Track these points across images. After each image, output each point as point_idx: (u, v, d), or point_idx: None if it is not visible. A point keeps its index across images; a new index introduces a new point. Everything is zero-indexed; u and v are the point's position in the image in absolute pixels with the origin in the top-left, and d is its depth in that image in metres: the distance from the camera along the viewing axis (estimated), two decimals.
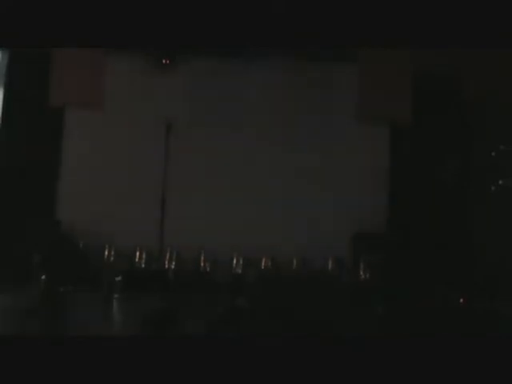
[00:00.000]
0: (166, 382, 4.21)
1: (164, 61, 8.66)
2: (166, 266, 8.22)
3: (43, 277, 7.10)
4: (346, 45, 6.18)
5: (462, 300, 7.18)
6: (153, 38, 5.90)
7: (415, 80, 8.35)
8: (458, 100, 8.44)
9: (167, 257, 8.25)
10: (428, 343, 4.56)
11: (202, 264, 8.33)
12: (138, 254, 8.29)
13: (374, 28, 5.72)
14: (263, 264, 8.33)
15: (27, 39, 5.69)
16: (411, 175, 8.44)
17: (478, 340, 4.56)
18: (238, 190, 8.46)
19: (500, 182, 8.15)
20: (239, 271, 8.30)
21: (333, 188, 8.46)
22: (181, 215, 8.04)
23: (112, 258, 8.20)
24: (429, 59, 8.01)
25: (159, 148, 7.85)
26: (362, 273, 7.98)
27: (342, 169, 8.55)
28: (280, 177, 8.56)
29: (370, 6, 5.70)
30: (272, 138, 8.64)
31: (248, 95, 8.70)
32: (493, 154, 8.27)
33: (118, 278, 7.53)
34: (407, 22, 5.68)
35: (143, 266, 8.27)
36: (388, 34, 5.74)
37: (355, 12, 5.72)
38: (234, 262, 8.32)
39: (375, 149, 8.58)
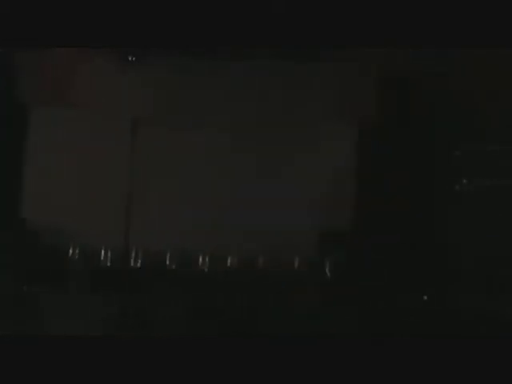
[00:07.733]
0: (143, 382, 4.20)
1: (130, 58, 8.57)
2: (132, 265, 8.21)
3: (7, 276, 7.04)
4: (346, 45, 6.19)
5: (425, 297, 7.30)
6: (126, 35, 5.87)
7: (390, 81, 8.35)
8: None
9: (133, 255, 8.23)
10: (410, 343, 4.59)
11: (168, 262, 8.32)
12: (103, 252, 8.24)
13: (373, 28, 5.73)
14: (229, 262, 8.34)
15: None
16: (380, 173, 8.43)
17: (478, 341, 4.60)
18: (203, 189, 8.44)
19: (472, 181, 8.18)
20: (205, 269, 8.30)
21: (300, 186, 8.48)
22: (147, 213, 8.03)
23: (77, 257, 8.14)
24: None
25: (126, 145, 7.77)
26: (328, 272, 8.02)
27: (310, 167, 8.57)
28: (247, 176, 8.55)
29: (369, 6, 5.72)
30: (242, 137, 8.60)
31: (219, 93, 8.65)
32: (457, 153, 8.33)
33: (83, 278, 7.48)
34: (407, 21, 5.71)
35: (109, 264, 8.22)
36: (387, 34, 5.76)
37: (354, 12, 5.73)
38: (200, 260, 8.32)
39: (344, 147, 8.59)
